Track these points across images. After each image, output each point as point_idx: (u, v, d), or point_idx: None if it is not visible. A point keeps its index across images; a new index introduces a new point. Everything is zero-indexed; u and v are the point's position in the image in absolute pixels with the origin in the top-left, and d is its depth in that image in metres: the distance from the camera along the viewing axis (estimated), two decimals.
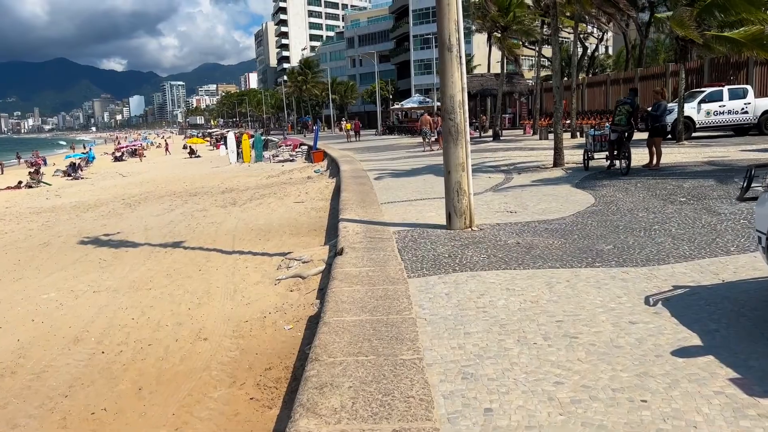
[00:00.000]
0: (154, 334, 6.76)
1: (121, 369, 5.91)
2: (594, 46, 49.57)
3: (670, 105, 17.89)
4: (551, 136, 26.49)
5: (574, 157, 15.63)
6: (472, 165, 7.74)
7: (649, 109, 12.46)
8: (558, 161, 14.12)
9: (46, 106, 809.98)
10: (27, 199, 25.45)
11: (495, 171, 15.05)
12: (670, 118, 17.39)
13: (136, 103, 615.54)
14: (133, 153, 58.88)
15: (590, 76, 46.06)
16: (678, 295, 4.57)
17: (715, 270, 5.20)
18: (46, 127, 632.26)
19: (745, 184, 3.99)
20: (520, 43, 34.10)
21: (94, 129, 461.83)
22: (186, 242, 12.23)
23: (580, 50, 52.96)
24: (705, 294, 4.58)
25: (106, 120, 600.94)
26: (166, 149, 61.59)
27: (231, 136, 37.58)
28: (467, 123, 7.53)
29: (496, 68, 41.78)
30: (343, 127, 52.66)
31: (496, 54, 38.44)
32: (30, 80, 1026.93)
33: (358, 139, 42.67)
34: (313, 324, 6.19)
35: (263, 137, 44.16)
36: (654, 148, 12.18)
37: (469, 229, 7.59)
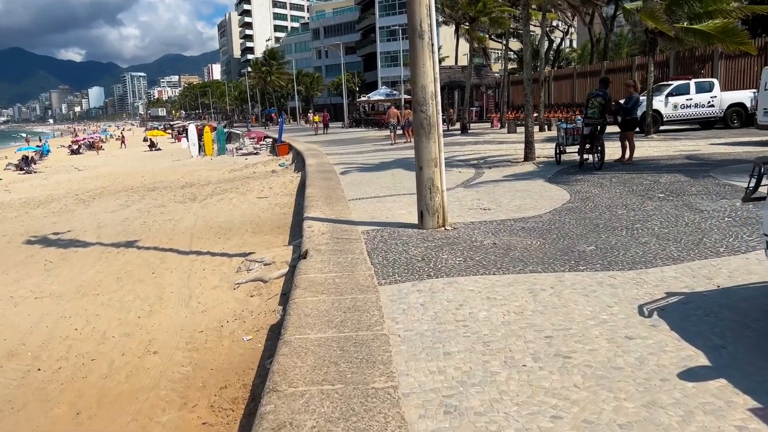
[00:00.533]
0: (99, 347, 6.13)
1: (58, 389, 5.28)
2: (559, 40, 49.72)
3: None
4: (520, 129, 26.34)
5: (544, 150, 15.35)
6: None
7: (621, 102, 12.20)
8: (529, 155, 13.80)
9: (0, 98, 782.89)
10: None
11: (465, 165, 14.66)
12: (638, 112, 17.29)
13: (95, 95, 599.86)
14: (91, 146, 56.94)
15: (556, 69, 46.21)
16: (673, 304, 4.19)
17: (708, 274, 4.84)
18: (1, 119, 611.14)
19: (753, 183, 3.59)
20: (487, 35, 33.85)
21: (51, 121, 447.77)
22: (140, 241, 11.52)
23: (546, 43, 53.18)
24: (702, 302, 4.21)
25: (64, 112, 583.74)
26: (122, 142, 59.66)
27: (192, 129, 36.46)
28: (440, 116, 7.06)
29: (463, 61, 41.56)
30: (310, 119, 51.39)
31: (464, 46, 38.17)
32: None
33: (326, 132, 41.80)
34: (275, 334, 5.67)
35: (226, 130, 43.07)
36: (627, 142, 11.94)
37: (443, 228, 7.14)
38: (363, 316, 4.19)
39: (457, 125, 33.45)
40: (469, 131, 27.98)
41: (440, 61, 48.76)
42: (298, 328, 4.05)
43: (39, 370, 5.67)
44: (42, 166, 39.53)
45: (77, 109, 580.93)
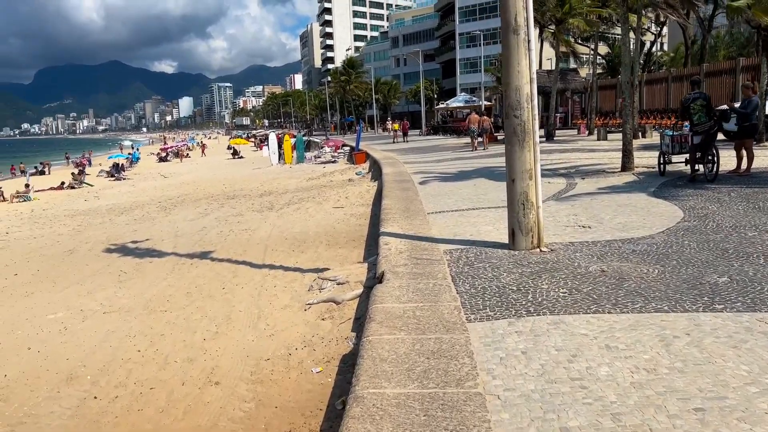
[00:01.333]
0: (160, 373, 5.68)
1: (112, 423, 4.82)
2: (649, 43, 47.00)
3: None
4: (611, 136, 24.78)
5: (642, 159, 14.04)
6: None
7: (737, 105, 10.83)
8: (627, 165, 12.58)
9: (100, 108, 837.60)
10: (66, 201, 25.17)
11: (554, 175, 13.59)
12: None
13: (185, 105, 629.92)
14: (177, 154, 59.14)
15: (647, 73, 43.59)
16: None
17: None
18: (100, 128, 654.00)
19: None
20: (572, 39, 32.29)
21: (144, 130, 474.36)
22: (215, 252, 11.24)
23: (637, 46, 50.47)
24: None
25: (156, 121, 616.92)
26: (202, 151, 61.45)
27: (272, 137, 36.89)
28: (536, 121, 6.21)
29: (546, 66, 40.00)
30: (389, 127, 50.39)
31: (547, 51, 36.68)
32: (86, 83, 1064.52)
33: (405, 140, 40.78)
34: (347, 367, 5.01)
35: (306, 138, 43.42)
36: (744, 151, 10.56)
37: (538, 249, 6.26)
38: (450, 364, 3.43)
39: (541, 132, 32.06)
40: (555, 138, 26.60)
41: None
42: (372, 378, 3.33)
43: (95, 398, 5.26)
44: (132, 173, 41.23)
45: (168, 118, 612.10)
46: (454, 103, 47.20)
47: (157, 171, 40.61)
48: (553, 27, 28.12)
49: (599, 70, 49.05)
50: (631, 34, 27.31)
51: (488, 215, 8.75)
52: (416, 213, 9.41)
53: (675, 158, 11.26)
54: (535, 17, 25.88)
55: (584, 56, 48.86)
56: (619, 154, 16.60)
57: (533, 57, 6.10)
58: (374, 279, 6.71)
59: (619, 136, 25.00)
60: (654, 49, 50.91)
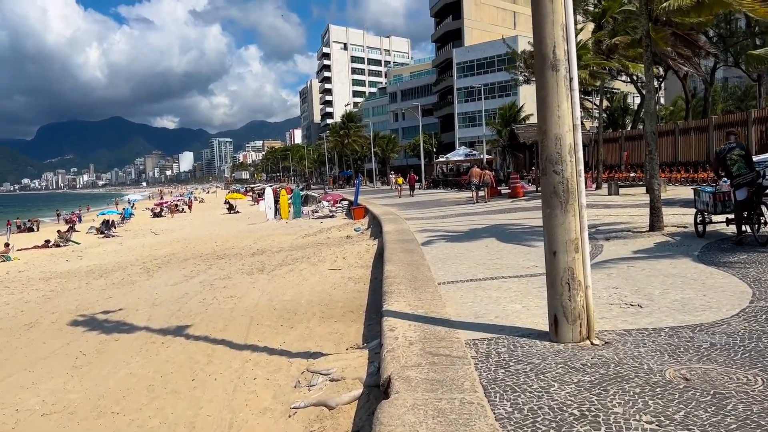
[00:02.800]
0: None
1: None
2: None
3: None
4: (623, 191, 23.67)
5: (668, 218, 12.76)
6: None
7: None
8: (656, 224, 11.30)
9: (101, 163, 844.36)
10: (47, 261, 23.72)
11: None
12: None
13: (185, 159, 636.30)
14: (176, 208, 58.04)
15: (641, 126, 42.90)
16: None
17: None
18: (100, 183, 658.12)
19: None
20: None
21: (144, 184, 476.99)
22: (192, 327, 9.80)
23: (638, 99, 50.15)
24: None
25: (156, 175, 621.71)
26: (189, 207, 59.62)
27: (268, 191, 35.79)
28: (582, 178, 4.93)
29: None
30: (393, 180, 47.97)
31: None
32: (87, 138, 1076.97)
33: (412, 194, 38.42)
34: None
35: (303, 192, 42.36)
36: None
37: (588, 341, 4.88)
38: None
39: None
40: None
41: (525, 119, 46.85)
42: None
43: None
44: (123, 229, 39.92)
45: (168, 172, 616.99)
46: (454, 156, 46.45)
47: (148, 227, 39.31)
48: None
49: (593, 127, 48.51)
50: (623, 87, 26.42)
51: (511, 287, 7.37)
52: (425, 283, 8.03)
53: (715, 218, 9.97)
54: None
55: (583, 110, 48.43)
56: (639, 211, 15.40)
57: (576, 98, 4.87)
58: (376, 375, 5.31)
59: (632, 190, 23.93)
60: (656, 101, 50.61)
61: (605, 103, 50.97)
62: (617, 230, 12.27)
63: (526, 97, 56.68)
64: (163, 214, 54.33)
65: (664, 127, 32.32)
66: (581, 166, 4.93)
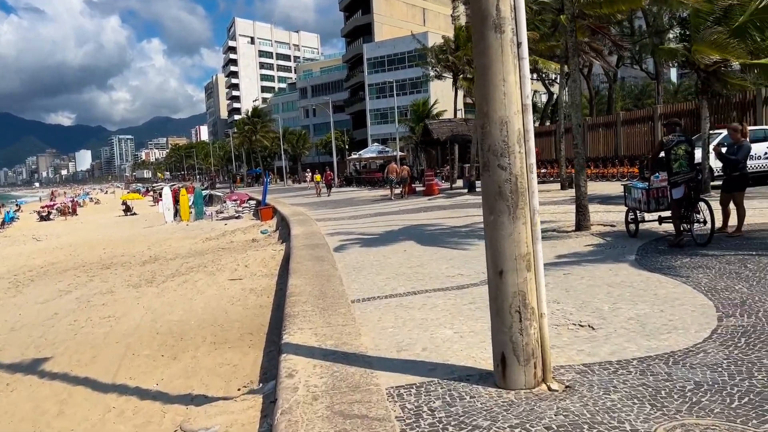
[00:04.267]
0: None
1: None
2: (557, 93, 47.61)
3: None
4: (540, 187, 23.22)
5: (592, 215, 12.14)
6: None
7: (724, 150, 9.08)
8: (583, 223, 10.58)
9: None
10: None
11: None
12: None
13: (82, 158, 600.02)
14: (62, 211, 53.31)
15: (548, 123, 43.66)
16: None
17: None
18: None
19: None
20: None
21: (37, 185, 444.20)
22: (52, 360, 8.02)
23: (545, 96, 51.20)
24: None
25: (51, 176, 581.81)
26: (73, 211, 53.87)
27: (166, 191, 33.19)
28: (534, 175, 3.80)
29: (460, 116, 38.98)
30: (310, 178, 44.57)
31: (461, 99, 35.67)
32: None
33: (329, 194, 35.60)
34: None
35: (207, 192, 39.84)
36: (730, 207, 8.76)
37: (545, 386, 3.75)
38: None
39: (459, 183, 30.47)
40: (477, 190, 24.91)
41: (437, 116, 46.48)
42: None
43: None
44: (1, 236, 35.86)
45: (64, 172, 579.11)
46: (367, 153, 45.37)
47: (32, 233, 35.48)
48: (467, 74, 26.82)
49: None
50: (563, 79, 26.28)
51: (438, 304, 6.20)
52: (336, 301, 6.72)
53: (649, 216, 9.30)
54: (449, 61, 24.50)
55: None
56: (559, 209, 14.84)
57: (526, 70, 3.72)
58: None
59: (544, 187, 23.71)
60: (561, 99, 51.80)
61: None
62: (542, 230, 11.48)
63: (438, 93, 56.60)
64: (51, 217, 49.74)
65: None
66: (533, 159, 3.78)
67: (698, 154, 16.07)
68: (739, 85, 16.26)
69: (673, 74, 77.36)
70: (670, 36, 38.93)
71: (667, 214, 9.00)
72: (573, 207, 14.75)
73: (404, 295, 6.80)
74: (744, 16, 12.37)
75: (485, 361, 4.26)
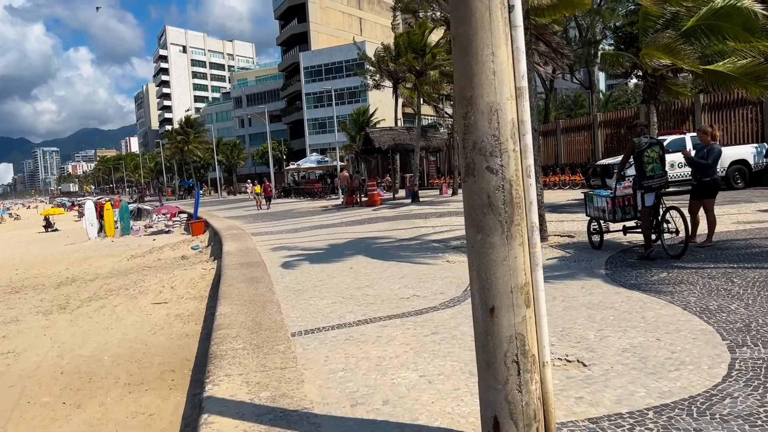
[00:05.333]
0: None
1: None
2: None
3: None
4: None
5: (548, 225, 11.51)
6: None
7: (693, 153, 8.54)
8: (541, 234, 9.86)
9: None
10: None
11: (448, 249, 10.54)
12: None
13: (3, 171, 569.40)
14: None
15: None
16: None
17: None
18: None
19: None
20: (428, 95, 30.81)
21: None
22: None
23: None
24: None
25: None
26: None
27: (89, 205, 30.92)
28: (533, 180, 2.89)
29: (398, 125, 38.31)
30: (251, 190, 40.98)
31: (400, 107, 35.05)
32: None
33: (268, 206, 32.78)
34: None
35: (134, 205, 37.58)
36: (703, 214, 8.21)
37: None
38: None
39: (401, 193, 29.75)
40: (420, 199, 24.21)
41: (377, 125, 45.82)
42: None
43: None
44: None
45: None
46: (306, 163, 44.09)
47: None
48: (405, 83, 26.11)
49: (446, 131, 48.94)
50: None
51: (395, 336, 5.23)
52: (273, 335, 5.65)
53: (613, 226, 8.65)
54: (390, 68, 23.71)
55: (429, 118, 48.42)
56: None
57: (521, 42, 2.83)
58: None
59: None
60: None
61: (450, 110, 51.66)
62: None
63: (377, 102, 55.99)
64: None
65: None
66: (530, 159, 2.89)
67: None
68: (679, 93, 16.19)
69: (602, 84, 79.75)
70: (603, 46, 39.76)
71: (631, 223, 8.40)
72: None
73: (354, 325, 5.80)
74: (692, 20, 12.10)
75: (466, 419, 3.34)
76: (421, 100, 25.69)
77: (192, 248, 19.66)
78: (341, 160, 43.42)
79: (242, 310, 6.85)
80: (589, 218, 9.01)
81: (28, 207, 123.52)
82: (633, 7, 26.14)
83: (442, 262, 9.19)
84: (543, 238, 9.84)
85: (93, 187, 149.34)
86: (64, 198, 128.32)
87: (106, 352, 8.41)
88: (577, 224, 11.89)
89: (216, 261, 14.97)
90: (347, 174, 23.33)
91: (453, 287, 7.23)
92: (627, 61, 14.10)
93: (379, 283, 7.92)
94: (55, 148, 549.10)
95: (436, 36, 25.71)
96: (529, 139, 2.86)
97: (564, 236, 10.26)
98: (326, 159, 43.91)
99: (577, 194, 20.19)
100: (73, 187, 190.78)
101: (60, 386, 7.13)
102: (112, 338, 9.19)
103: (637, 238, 8.77)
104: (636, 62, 13.67)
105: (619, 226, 8.50)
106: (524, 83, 2.84)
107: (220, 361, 4.94)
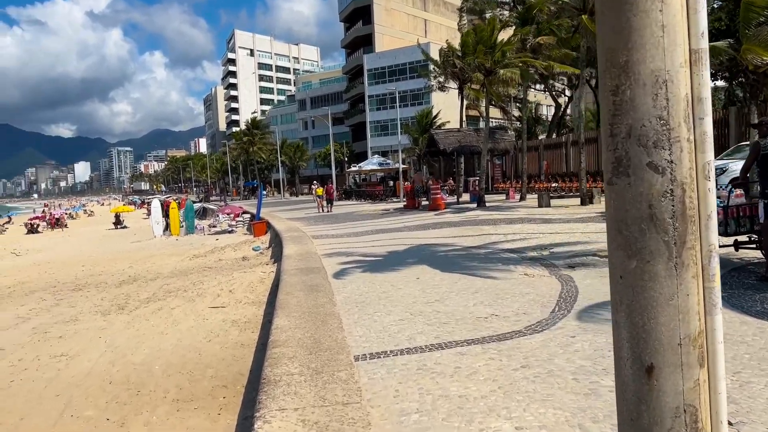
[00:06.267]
0: None
1: None
2: (565, 104, 46.05)
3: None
4: (554, 202, 21.61)
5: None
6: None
7: None
8: None
9: None
10: None
11: (522, 261, 9.59)
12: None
13: (81, 170, 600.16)
14: (57, 223, 51.51)
15: (554, 136, 41.85)
16: None
17: None
18: None
19: None
20: (496, 97, 29.68)
21: (35, 196, 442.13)
22: None
23: (552, 109, 49.62)
24: None
25: (49, 187, 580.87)
26: (62, 224, 51.48)
27: (155, 204, 31.39)
28: (713, 183, 2.00)
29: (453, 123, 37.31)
30: (314, 192, 39.42)
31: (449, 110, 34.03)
32: None
33: (330, 209, 31.17)
34: None
35: (199, 204, 38.07)
36: None
37: None
38: None
39: (466, 197, 28.74)
40: (487, 205, 23.17)
41: (439, 126, 45.04)
42: None
43: None
44: None
45: (63, 184, 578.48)
46: (367, 165, 43.65)
47: (13, 246, 33.64)
48: (481, 78, 25.06)
49: (514, 134, 47.45)
50: (538, 97, 24.72)
51: (477, 368, 4.40)
52: (334, 357, 4.93)
53: (727, 240, 7.53)
54: (456, 67, 22.80)
55: (494, 121, 47.04)
56: (590, 227, 13.09)
57: None
58: None
59: (561, 202, 21.97)
60: (568, 111, 50.25)
61: (516, 113, 50.17)
62: (578, 254, 9.71)
63: (440, 104, 55.04)
64: (39, 229, 47.92)
65: (591, 134, 31.02)
66: (710, 155, 2.02)
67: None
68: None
69: None
70: None
71: (744, 238, 7.26)
72: (602, 226, 13.01)
73: (427, 350, 5.00)
74: None
75: None
76: (489, 101, 24.71)
77: (253, 249, 19.37)
78: (403, 162, 42.75)
79: (300, 323, 6.18)
80: None
81: (102, 204, 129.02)
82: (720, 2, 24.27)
83: (518, 276, 8.28)
84: None
85: (163, 186, 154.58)
86: (135, 196, 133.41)
87: (158, 360, 7.95)
88: None
89: (276, 264, 14.51)
90: (421, 176, 22.46)
91: (537, 306, 6.33)
92: (724, 56, 12.72)
93: (450, 298, 7.09)
94: (129, 148, 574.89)
95: (505, 35, 24.55)
96: (708, 124, 1.99)
97: None
98: (388, 161, 43.32)
99: None
100: (145, 186, 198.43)
101: (107, 398, 6.67)
102: (166, 344, 8.75)
103: (751, 255, 7.60)
104: (735, 56, 12.29)
105: (729, 240, 7.36)
106: (704, 44, 1.98)
107: (274, 389, 4.25)
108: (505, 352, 4.75)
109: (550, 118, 54.03)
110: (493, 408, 3.62)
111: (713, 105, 53.41)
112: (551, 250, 10.26)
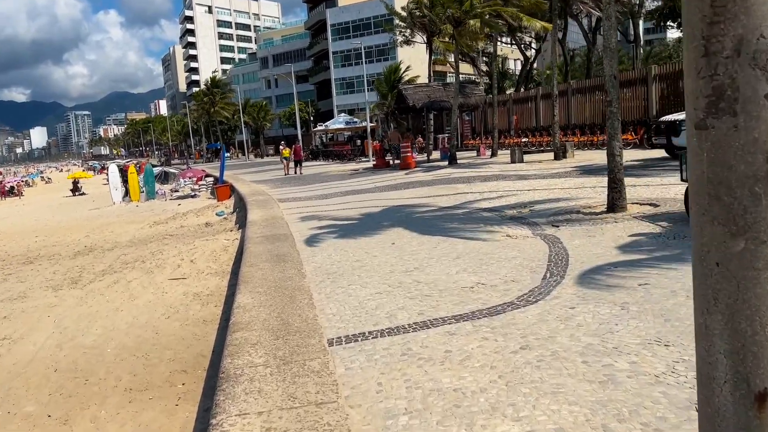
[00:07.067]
0: None
1: None
2: (533, 57, 45.28)
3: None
4: (527, 157, 21.10)
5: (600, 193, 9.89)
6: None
7: None
8: (617, 202, 8.31)
9: None
10: None
11: (502, 220, 9.04)
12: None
13: (38, 135, 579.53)
14: (11, 191, 49.33)
15: (522, 90, 41.11)
16: None
17: None
18: None
19: None
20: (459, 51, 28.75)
21: None
22: None
23: (519, 63, 48.87)
24: None
25: (5, 154, 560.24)
26: (17, 192, 49.26)
27: (113, 169, 29.98)
28: None
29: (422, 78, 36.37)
30: (281, 153, 37.45)
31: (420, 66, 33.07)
32: None
33: (299, 171, 29.42)
34: None
35: (161, 168, 36.66)
36: None
37: None
38: None
39: (436, 155, 28.08)
40: (459, 162, 22.54)
41: (409, 82, 43.91)
42: None
43: None
44: None
45: (19, 150, 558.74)
46: (334, 124, 42.48)
47: None
48: (440, 34, 24.17)
49: (483, 88, 46.62)
50: (553, 37, 23.94)
51: (471, 351, 3.81)
52: (304, 342, 4.28)
53: None
54: (425, 19, 21.82)
55: (463, 75, 46.07)
56: (569, 182, 12.59)
57: None
58: None
59: (534, 157, 21.49)
60: (535, 64, 49.57)
61: (484, 67, 49.25)
62: (561, 211, 9.19)
63: (407, 60, 53.70)
64: None
65: (560, 87, 30.42)
66: None
67: None
68: None
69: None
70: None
71: None
72: (582, 180, 12.59)
73: (411, 330, 4.39)
74: None
75: None
76: (459, 53, 23.81)
77: (217, 214, 18.50)
78: (371, 120, 41.74)
79: (266, 300, 5.51)
80: (686, 184, 7.42)
81: (61, 171, 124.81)
82: None
83: (501, 238, 7.71)
84: (620, 207, 8.29)
85: (123, 150, 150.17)
86: (95, 161, 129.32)
87: (111, 342, 7.23)
88: (653, 190, 10.26)
89: (241, 230, 13.74)
90: (398, 133, 21.58)
91: (526, 272, 5.77)
92: None
93: (430, 265, 6.49)
94: (87, 112, 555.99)
95: None
96: None
97: (645, 204, 8.67)
98: (355, 120, 42.23)
99: (636, 154, 18.36)
100: (105, 151, 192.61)
101: (50, 389, 5.95)
102: (121, 323, 8.02)
103: None
104: None
105: None
106: None
107: (234, 386, 3.60)
108: (499, 330, 4.17)
109: (517, 73, 53.30)
110: (495, 406, 3.03)
111: (674, 57, 53.32)
112: (531, 208, 9.73)
